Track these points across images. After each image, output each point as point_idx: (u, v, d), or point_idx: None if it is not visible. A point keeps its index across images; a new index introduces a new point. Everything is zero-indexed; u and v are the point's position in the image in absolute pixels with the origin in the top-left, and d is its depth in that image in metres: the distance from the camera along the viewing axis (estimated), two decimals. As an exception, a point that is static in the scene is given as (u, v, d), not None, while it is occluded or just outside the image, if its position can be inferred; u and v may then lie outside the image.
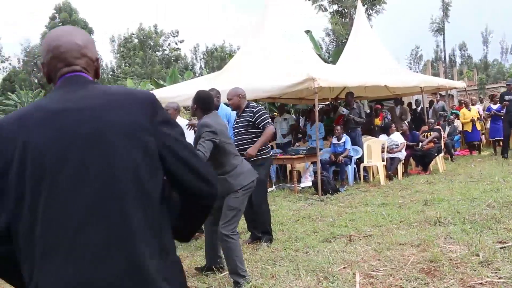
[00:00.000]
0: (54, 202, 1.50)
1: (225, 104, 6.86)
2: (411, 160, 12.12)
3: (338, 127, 10.92)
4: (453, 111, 16.75)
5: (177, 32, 57.85)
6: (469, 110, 15.25)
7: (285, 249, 5.65)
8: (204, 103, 4.82)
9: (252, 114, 5.95)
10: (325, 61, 16.53)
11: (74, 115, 1.57)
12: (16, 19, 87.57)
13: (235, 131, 6.11)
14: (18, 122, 1.58)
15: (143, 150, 1.59)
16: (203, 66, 56.90)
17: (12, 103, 39.56)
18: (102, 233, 1.50)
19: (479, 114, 15.60)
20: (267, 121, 5.99)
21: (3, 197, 1.54)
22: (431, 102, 17.56)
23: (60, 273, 1.48)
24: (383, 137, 11.54)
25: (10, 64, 54.70)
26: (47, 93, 1.49)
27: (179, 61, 56.25)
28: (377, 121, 13.53)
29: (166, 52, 57.38)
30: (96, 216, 1.50)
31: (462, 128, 15.56)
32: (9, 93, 41.46)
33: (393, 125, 11.77)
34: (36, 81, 50.73)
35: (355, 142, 11.22)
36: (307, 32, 17.18)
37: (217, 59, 55.59)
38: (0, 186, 1.54)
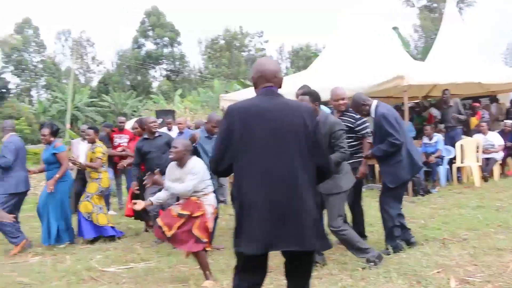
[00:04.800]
0: (256, 150, 2.94)
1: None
2: (509, 160, 11.49)
3: (428, 127, 10.58)
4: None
5: (262, 32, 58.42)
6: None
7: (375, 251, 5.55)
8: (318, 97, 5.05)
9: (353, 120, 5.90)
10: (414, 58, 16.06)
11: (271, 112, 3.00)
12: (109, 24, 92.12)
13: None
14: (245, 108, 3.05)
15: (306, 137, 3.00)
16: (288, 65, 56.88)
17: (106, 104, 41.78)
18: (284, 170, 2.92)
19: None
20: (365, 130, 5.98)
21: (228, 148, 2.99)
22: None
23: (259, 189, 2.91)
24: (478, 136, 10.97)
25: (104, 67, 57.83)
26: (254, 96, 3.32)
27: (265, 61, 56.54)
28: (474, 120, 12.67)
29: (252, 52, 58.06)
30: (281, 160, 2.93)
31: None
32: (103, 94, 43.79)
33: (485, 124, 11.15)
34: (128, 83, 53.17)
35: (454, 142, 10.71)
36: (395, 28, 16.77)
37: (302, 58, 55.46)
38: (227, 142, 2.99)
